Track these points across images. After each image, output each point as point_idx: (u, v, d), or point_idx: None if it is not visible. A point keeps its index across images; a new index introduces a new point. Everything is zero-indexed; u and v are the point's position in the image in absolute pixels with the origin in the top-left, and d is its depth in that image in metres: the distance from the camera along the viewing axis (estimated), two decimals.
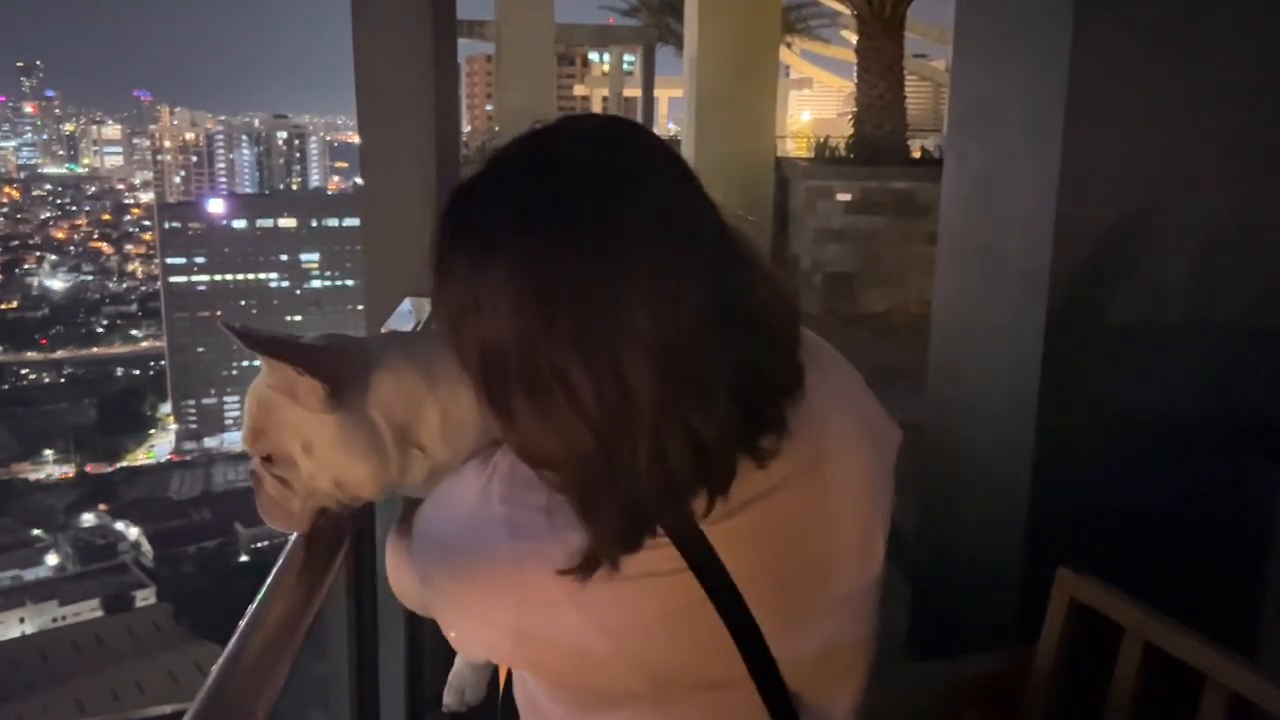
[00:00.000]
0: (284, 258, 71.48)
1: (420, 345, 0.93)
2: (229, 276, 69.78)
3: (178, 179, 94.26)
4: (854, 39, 8.29)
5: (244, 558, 43.44)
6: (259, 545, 42.82)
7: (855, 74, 7.85)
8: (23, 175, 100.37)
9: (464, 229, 0.73)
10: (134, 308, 74.31)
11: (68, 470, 56.08)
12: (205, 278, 69.24)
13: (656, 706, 0.79)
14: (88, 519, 48.95)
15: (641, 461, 0.69)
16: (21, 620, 38.61)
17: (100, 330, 71.82)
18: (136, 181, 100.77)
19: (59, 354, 68.41)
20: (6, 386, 64.84)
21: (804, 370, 0.78)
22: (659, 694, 0.78)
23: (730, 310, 0.70)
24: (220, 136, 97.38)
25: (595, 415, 0.68)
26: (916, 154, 7.73)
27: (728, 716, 0.80)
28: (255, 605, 0.88)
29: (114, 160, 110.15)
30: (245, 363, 68.31)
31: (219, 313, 68.34)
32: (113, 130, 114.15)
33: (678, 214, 0.72)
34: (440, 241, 0.74)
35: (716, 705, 0.80)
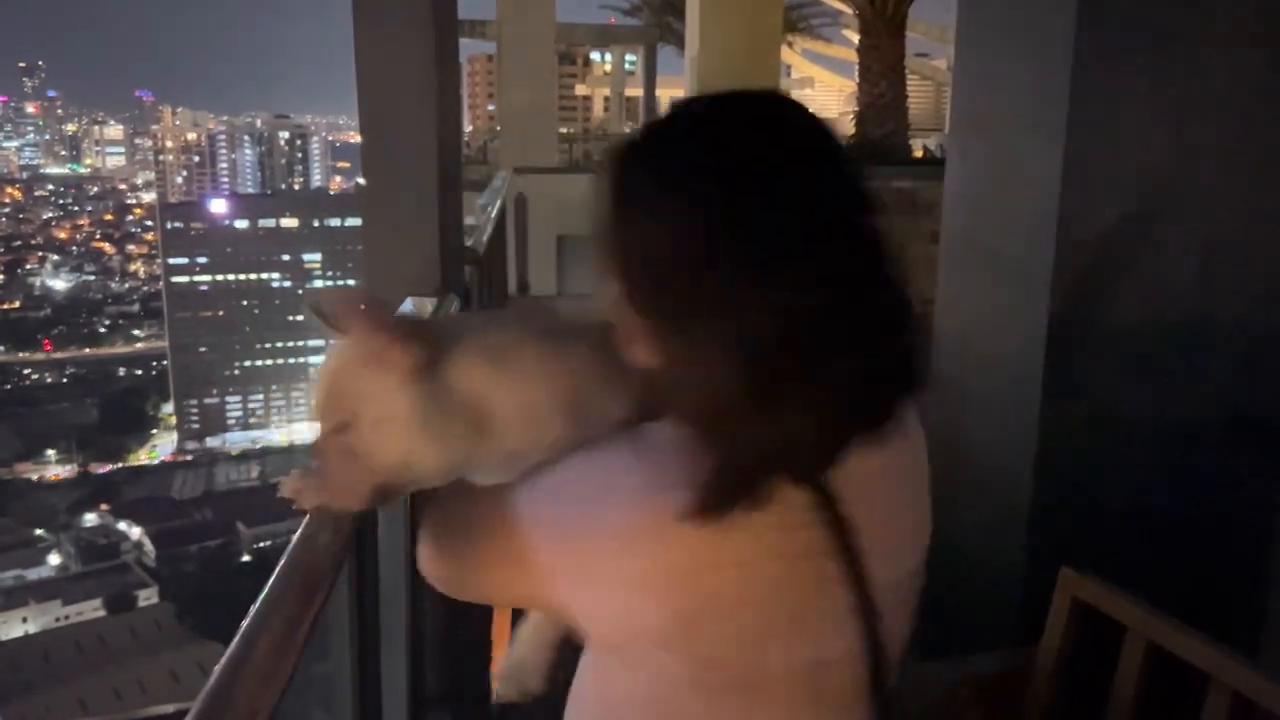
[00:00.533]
0: (286, 258, 71.53)
1: (495, 330, 0.92)
2: (231, 276, 69.82)
3: (180, 179, 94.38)
4: (856, 38, 8.29)
5: (246, 557, 43.51)
6: (261, 545, 42.89)
7: (857, 73, 7.85)
8: (25, 175, 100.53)
9: (659, 167, 0.77)
10: (136, 308, 74.42)
11: (70, 470, 56.16)
12: (207, 278, 69.30)
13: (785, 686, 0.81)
14: (90, 519, 49.04)
15: (781, 412, 0.73)
16: (24, 620, 38.68)
17: (102, 330, 71.93)
18: (139, 181, 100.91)
19: (61, 354, 68.51)
20: (9, 386, 64.94)
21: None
22: (797, 677, 0.81)
23: (868, 279, 0.77)
24: (222, 136, 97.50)
25: (745, 361, 0.72)
26: (918, 153, 7.73)
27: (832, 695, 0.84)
28: (257, 605, 0.88)
29: (116, 160, 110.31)
30: (247, 362, 68.47)
31: (221, 312, 68.46)
32: (115, 130, 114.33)
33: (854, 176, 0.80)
34: (631, 175, 0.79)
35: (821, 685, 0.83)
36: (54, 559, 44.90)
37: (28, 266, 77.03)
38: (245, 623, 0.84)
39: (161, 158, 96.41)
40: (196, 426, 65.05)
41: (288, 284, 71.39)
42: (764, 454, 0.75)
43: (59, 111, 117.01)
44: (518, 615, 1.11)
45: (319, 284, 71.56)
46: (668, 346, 0.76)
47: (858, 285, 0.76)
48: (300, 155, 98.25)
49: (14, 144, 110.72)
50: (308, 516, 1.08)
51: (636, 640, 0.79)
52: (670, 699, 0.81)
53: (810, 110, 0.82)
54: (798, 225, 0.74)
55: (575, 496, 0.80)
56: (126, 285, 78.52)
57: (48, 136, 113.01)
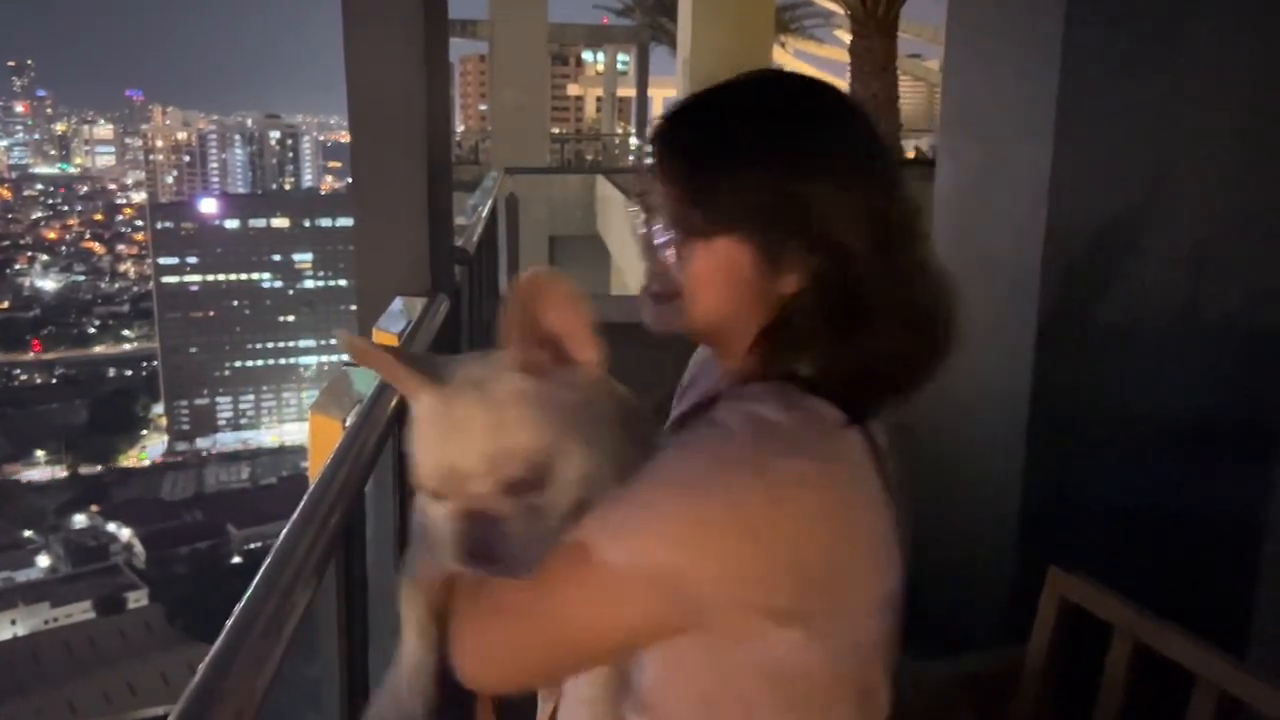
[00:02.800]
0: (277, 258, 71.32)
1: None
2: (221, 277, 69.57)
3: (170, 179, 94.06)
4: (848, 39, 8.31)
5: (236, 559, 43.36)
6: (251, 546, 42.75)
7: (849, 74, 7.87)
8: (14, 175, 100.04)
9: (748, 119, 0.84)
10: (126, 308, 74.11)
11: (59, 471, 55.87)
12: (198, 278, 69.04)
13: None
14: (79, 520, 48.80)
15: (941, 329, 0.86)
16: (13, 622, 38.48)
17: (92, 331, 71.60)
18: (129, 181, 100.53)
19: (50, 355, 68.18)
20: None
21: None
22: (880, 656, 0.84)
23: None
24: (213, 136, 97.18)
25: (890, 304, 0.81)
26: (910, 154, 7.75)
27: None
28: (241, 605, 0.87)
29: (106, 160, 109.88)
30: (238, 363, 68.27)
31: (211, 313, 68.20)
32: (105, 130, 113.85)
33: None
34: (722, 132, 0.83)
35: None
36: (43, 561, 44.66)
37: (17, 267, 76.66)
38: (228, 624, 0.84)
39: (152, 157, 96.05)
40: (187, 427, 64.80)
41: (278, 284, 71.19)
42: (870, 371, 0.83)
43: (48, 111, 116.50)
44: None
45: (310, 284, 71.43)
46: (792, 277, 0.81)
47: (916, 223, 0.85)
48: (291, 155, 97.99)
49: (3, 143, 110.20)
50: (294, 516, 1.08)
51: (749, 611, 0.75)
52: (790, 662, 0.78)
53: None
54: (876, 155, 0.84)
55: (674, 500, 0.74)
56: (116, 285, 78.18)
57: (37, 136, 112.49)
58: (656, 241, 0.84)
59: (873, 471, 0.82)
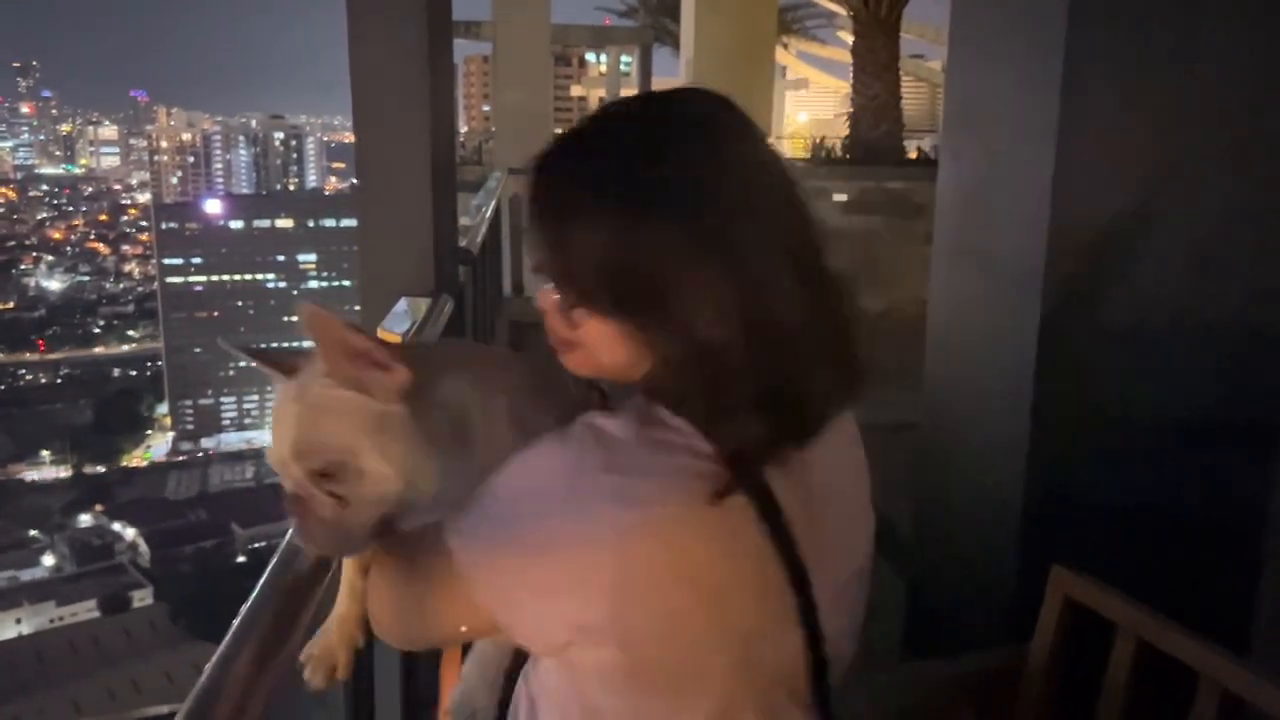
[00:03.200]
0: (281, 258, 71.44)
1: (470, 352, 0.92)
2: (226, 277, 69.72)
3: (174, 179, 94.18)
4: (850, 40, 8.31)
5: (241, 558, 43.40)
6: (256, 546, 42.79)
7: (851, 75, 7.86)
8: (19, 176, 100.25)
9: (600, 171, 0.78)
10: (131, 308, 74.23)
11: (64, 471, 55.97)
12: (202, 278, 69.18)
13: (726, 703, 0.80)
14: (84, 520, 48.89)
15: (786, 360, 0.76)
16: (18, 621, 38.55)
17: (97, 331, 71.73)
18: (133, 182, 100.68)
19: (55, 355, 68.31)
20: (3, 387, 64.75)
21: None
22: (733, 677, 0.80)
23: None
24: (217, 137, 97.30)
25: (739, 311, 0.74)
26: (913, 154, 7.74)
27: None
28: (248, 605, 0.88)
29: (110, 161, 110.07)
30: (242, 363, 68.04)
31: (216, 313, 68.29)
32: (109, 131, 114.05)
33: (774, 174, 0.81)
34: (571, 185, 0.78)
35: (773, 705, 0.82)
36: (48, 560, 44.75)
37: (22, 267, 76.81)
38: (236, 622, 0.84)
39: (156, 158, 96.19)
40: (191, 427, 64.91)
41: (282, 284, 71.31)
42: (745, 443, 0.76)
43: (54, 112, 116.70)
44: (466, 647, 1.10)
45: (314, 284, 71.49)
46: (653, 343, 0.76)
47: (815, 259, 0.80)
48: (295, 156, 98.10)
49: (8, 144, 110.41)
50: None
51: (581, 643, 0.78)
52: (604, 697, 0.81)
53: (729, 99, 0.83)
54: (751, 197, 0.77)
55: (545, 526, 0.77)
56: (121, 286, 78.31)
57: (42, 137, 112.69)
58: (543, 300, 0.83)
59: (738, 515, 0.77)
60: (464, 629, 0.86)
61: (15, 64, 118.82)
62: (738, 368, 0.75)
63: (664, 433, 0.77)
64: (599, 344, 0.79)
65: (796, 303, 0.77)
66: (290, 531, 0.99)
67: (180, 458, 61.16)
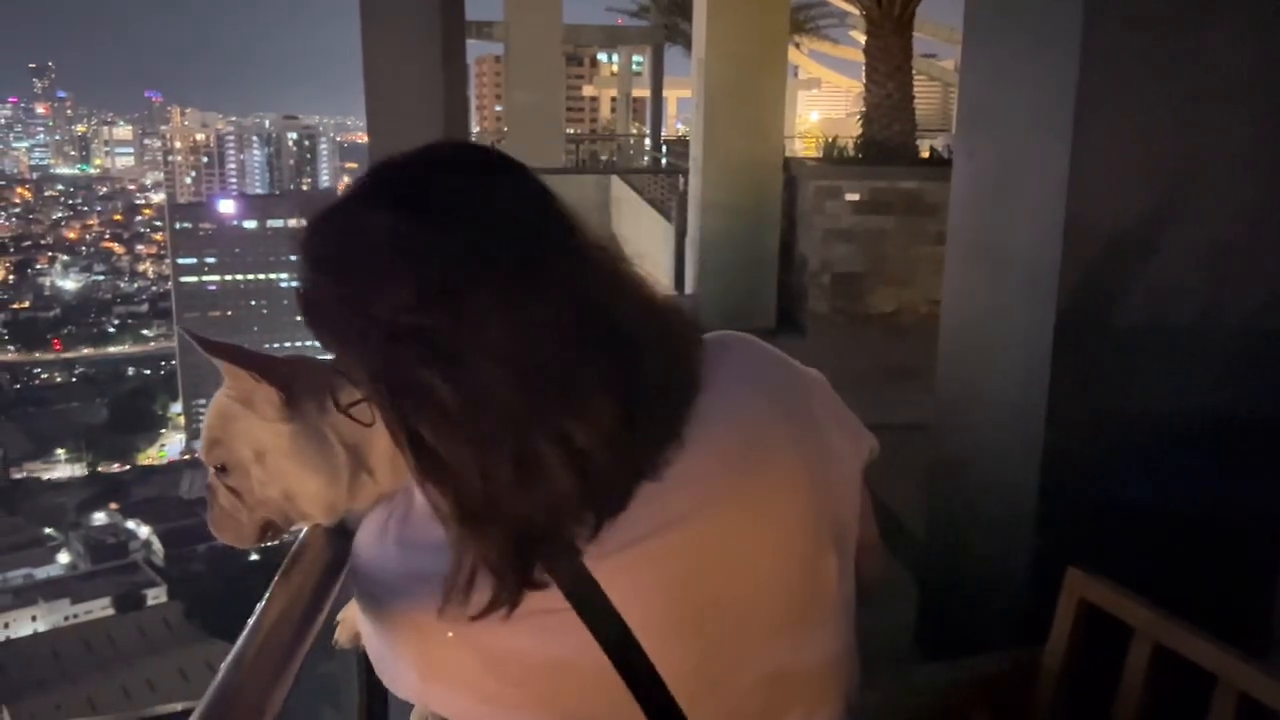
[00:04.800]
0: (294, 258, 71.33)
1: None
2: (240, 276, 70.05)
3: (189, 179, 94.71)
4: (862, 39, 8.28)
5: (254, 556, 43.48)
6: (269, 544, 42.90)
7: (864, 74, 7.83)
8: (35, 176, 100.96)
9: (322, 261, 0.80)
10: (145, 308, 74.63)
11: (79, 469, 56.35)
12: (216, 278, 69.53)
13: None
14: (99, 518, 49.20)
15: (515, 474, 0.67)
16: (34, 618, 38.82)
17: (111, 330, 72.16)
18: (148, 182, 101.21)
19: (70, 354, 68.77)
20: (19, 386, 65.20)
21: (696, 384, 0.76)
22: None
23: (588, 322, 0.70)
24: (231, 137, 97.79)
25: (464, 424, 0.67)
26: (925, 154, 7.71)
27: None
28: (262, 604, 0.88)
29: (125, 161, 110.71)
30: None
31: (229, 313, 68.61)
32: (124, 131, 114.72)
33: (523, 230, 0.73)
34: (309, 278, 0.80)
35: None
36: (63, 558, 45.04)
37: (38, 266, 77.34)
38: (251, 622, 0.85)
39: (170, 158, 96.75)
40: None
41: (296, 284, 71.43)
42: (509, 532, 0.68)
43: (69, 112, 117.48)
44: None
45: None
46: (402, 451, 0.72)
47: (595, 313, 0.71)
48: (309, 156, 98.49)
49: (24, 144, 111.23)
50: None
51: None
52: None
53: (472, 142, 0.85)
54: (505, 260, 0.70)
55: (362, 586, 0.81)
56: (135, 285, 78.75)
57: (57, 137, 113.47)
58: None
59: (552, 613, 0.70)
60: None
61: (31, 65, 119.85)
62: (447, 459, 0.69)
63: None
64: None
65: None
66: (304, 531, 1.00)
67: (194, 456, 61.38)
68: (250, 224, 71.56)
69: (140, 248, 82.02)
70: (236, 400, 0.88)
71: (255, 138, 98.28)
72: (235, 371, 0.86)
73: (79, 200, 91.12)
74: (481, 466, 0.68)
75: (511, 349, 0.67)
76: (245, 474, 0.88)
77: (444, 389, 0.67)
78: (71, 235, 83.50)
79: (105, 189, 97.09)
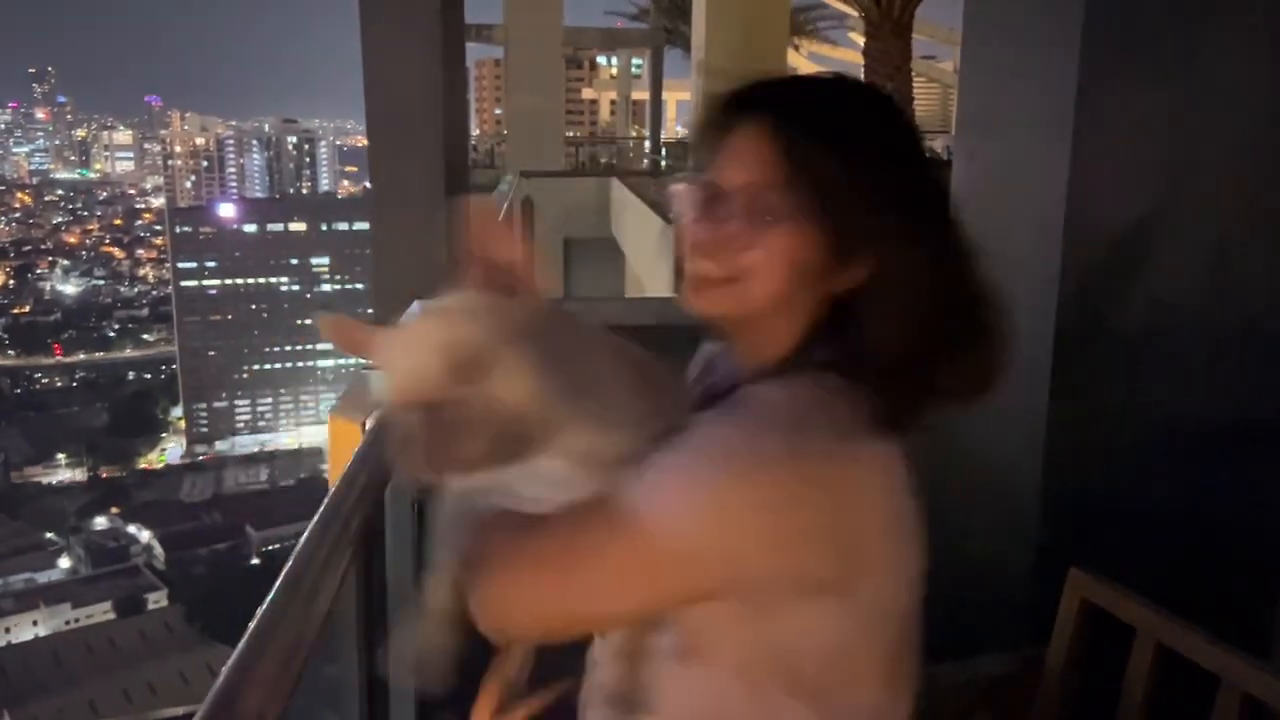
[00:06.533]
0: (294, 261, 71.75)
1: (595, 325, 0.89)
2: (240, 280, 70.07)
3: (188, 183, 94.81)
4: (862, 41, 8.30)
5: (255, 560, 43.62)
6: (270, 548, 43.01)
7: (863, 76, 7.84)
8: (35, 180, 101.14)
9: (847, 109, 0.88)
10: (145, 312, 74.74)
11: (80, 474, 56.38)
12: (216, 281, 69.54)
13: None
14: (100, 522, 49.23)
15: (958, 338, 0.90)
16: (35, 623, 38.84)
17: (112, 334, 72.24)
18: (148, 186, 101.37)
19: (71, 358, 68.83)
20: (19, 390, 65.25)
21: None
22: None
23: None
24: (230, 141, 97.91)
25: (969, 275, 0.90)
26: None
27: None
28: (264, 607, 0.88)
29: (125, 165, 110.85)
30: (256, 366, 68.66)
31: (229, 316, 68.67)
32: (124, 135, 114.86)
33: None
34: (823, 123, 0.85)
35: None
36: (64, 562, 45.07)
37: (38, 271, 77.46)
38: (252, 625, 0.85)
39: (170, 162, 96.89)
40: (205, 430, 65.25)
41: (296, 287, 71.64)
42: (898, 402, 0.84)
43: (68, 117, 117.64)
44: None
45: (328, 288, 71.78)
46: (851, 272, 0.84)
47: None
48: (308, 159, 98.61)
49: (24, 149, 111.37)
50: (315, 519, 1.08)
51: (784, 582, 0.79)
52: (823, 630, 0.82)
53: None
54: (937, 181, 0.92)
55: (715, 472, 0.76)
56: (136, 289, 78.87)
57: (57, 142, 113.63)
58: (724, 220, 0.84)
59: (901, 465, 0.85)
60: (630, 605, 0.82)
61: (31, 69, 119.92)
62: (896, 321, 0.83)
63: (838, 393, 0.82)
64: (771, 267, 0.82)
65: (964, 283, 0.90)
66: (303, 535, 1.00)
67: (196, 459, 61.48)
68: (250, 228, 71.61)
69: (140, 252, 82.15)
70: (478, 309, 0.78)
71: (255, 141, 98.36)
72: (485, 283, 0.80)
73: (79, 205, 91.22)
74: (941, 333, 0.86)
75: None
76: (488, 371, 0.78)
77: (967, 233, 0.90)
78: (72, 240, 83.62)
79: (105, 193, 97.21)
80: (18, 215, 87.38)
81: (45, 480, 55.87)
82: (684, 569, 0.77)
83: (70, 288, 76.99)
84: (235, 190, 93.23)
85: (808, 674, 0.83)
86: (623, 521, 0.77)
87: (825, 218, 0.81)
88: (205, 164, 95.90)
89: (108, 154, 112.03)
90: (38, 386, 66.38)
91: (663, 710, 0.87)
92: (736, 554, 0.77)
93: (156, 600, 39.94)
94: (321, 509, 1.11)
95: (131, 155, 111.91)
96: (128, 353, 71.46)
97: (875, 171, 0.83)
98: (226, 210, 74.03)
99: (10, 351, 67.78)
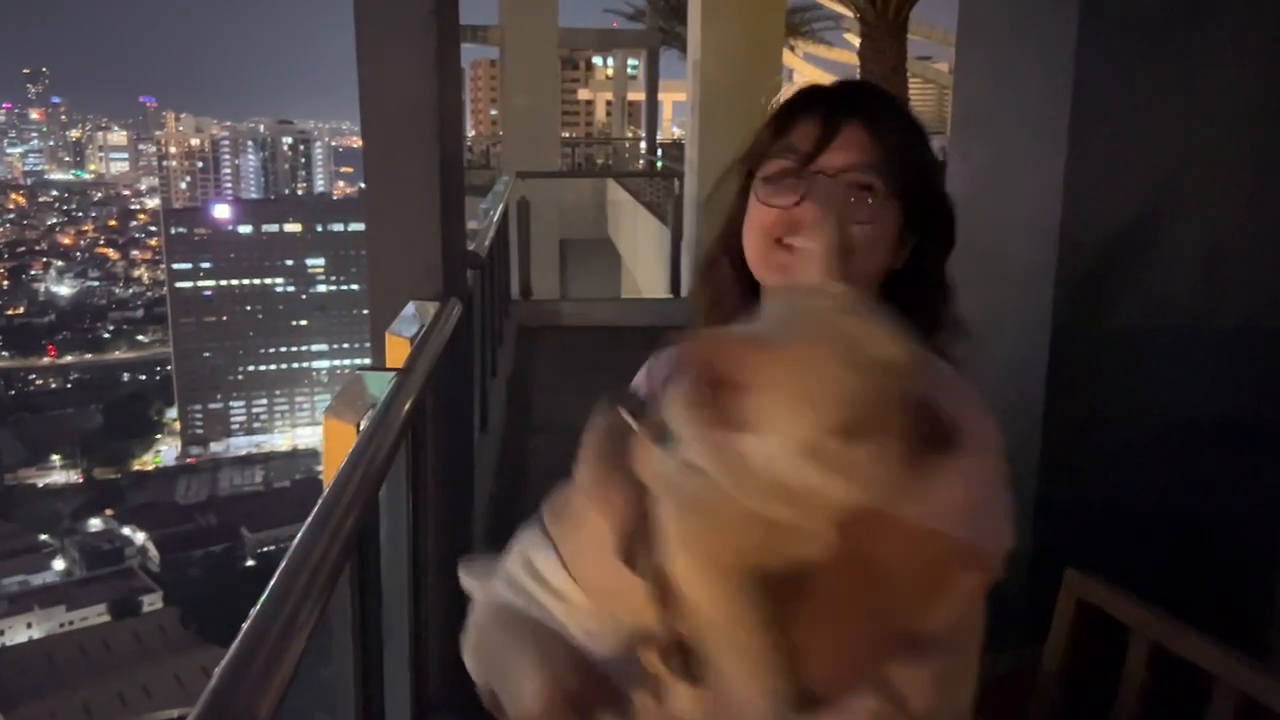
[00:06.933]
0: (289, 262, 71.60)
1: None
2: (235, 281, 69.91)
3: (183, 184, 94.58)
4: (857, 42, 8.31)
5: (250, 562, 43.54)
6: (265, 550, 42.95)
7: (859, 77, 7.85)
8: (29, 181, 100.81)
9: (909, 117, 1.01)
10: (140, 313, 74.50)
11: (74, 475, 56.22)
12: (211, 283, 69.38)
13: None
14: (94, 524, 49.09)
15: None
16: (29, 625, 38.72)
17: (107, 336, 72.02)
18: (142, 187, 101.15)
19: (65, 359, 68.62)
20: (14, 392, 65.05)
21: None
22: None
23: None
24: (225, 142, 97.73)
25: None
26: None
27: None
28: (258, 608, 0.88)
29: (120, 166, 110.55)
30: (251, 367, 68.53)
31: (225, 317, 68.53)
32: (118, 136, 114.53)
33: None
34: (909, 126, 0.99)
35: None
36: (58, 564, 44.92)
37: (32, 272, 77.21)
38: (246, 626, 0.84)
39: (165, 163, 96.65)
40: (200, 431, 65.08)
41: (291, 289, 71.49)
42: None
43: (63, 117, 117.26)
44: None
45: (323, 289, 71.65)
46: (905, 249, 0.97)
47: None
48: (303, 160, 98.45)
49: (18, 150, 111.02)
50: (309, 520, 1.08)
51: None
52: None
53: None
54: None
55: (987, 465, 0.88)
56: (130, 291, 78.64)
57: (52, 142, 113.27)
58: (830, 198, 0.91)
59: None
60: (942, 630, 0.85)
61: (25, 70, 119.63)
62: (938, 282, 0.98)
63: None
64: (876, 239, 0.93)
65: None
66: (297, 537, 0.99)
67: (190, 462, 61.34)
68: (245, 229, 71.46)
69: (135, 253, 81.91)
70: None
71: (250, 142, 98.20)
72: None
73: (73, 206, 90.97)
74: None
75: None
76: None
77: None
78: (66, 241, 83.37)
79: (100, 194, 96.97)
80: (12, 216, 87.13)
81: (39, 482, 55.69)
82: (976, 584, 0.91)
83: (65, 289, 76.76)
84: (230, 191, 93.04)
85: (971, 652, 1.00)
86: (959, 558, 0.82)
87: (906, 197, 0.93)
88: (200, 165, 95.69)
89: (102, 155, 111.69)
90: (32, 388, 66.19)
91: None
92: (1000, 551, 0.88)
93: (151, 602, 39.84)
94: (315, 510, 1.11)
95: (126, 156, 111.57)
96: (122, 354, 71.24)
97: (933, 162, 0.99)
98: (222, 211, 73.89)
99: (4, 353, 67.56)
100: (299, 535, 1.03)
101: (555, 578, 0.76)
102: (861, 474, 0.56)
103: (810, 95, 0.98)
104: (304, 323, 70.64)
